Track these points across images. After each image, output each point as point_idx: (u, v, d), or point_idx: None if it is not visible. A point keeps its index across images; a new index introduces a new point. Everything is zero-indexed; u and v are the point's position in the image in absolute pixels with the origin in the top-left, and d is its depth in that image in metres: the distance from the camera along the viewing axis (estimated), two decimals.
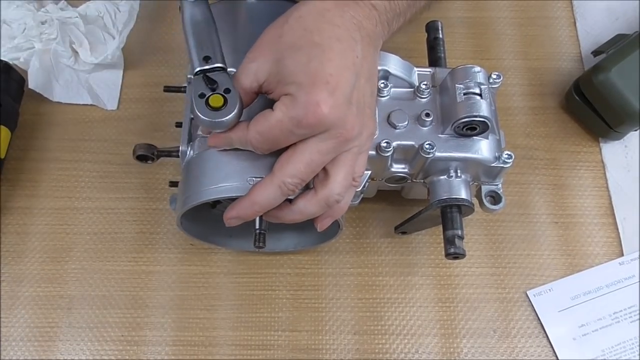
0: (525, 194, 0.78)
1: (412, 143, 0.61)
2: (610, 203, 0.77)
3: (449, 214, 0.62)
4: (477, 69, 0.61)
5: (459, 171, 0.62)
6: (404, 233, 0.73)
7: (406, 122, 0.61)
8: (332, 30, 0.51)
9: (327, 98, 0.48)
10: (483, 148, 0.61)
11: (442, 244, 0.62)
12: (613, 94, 0.73)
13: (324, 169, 0.53)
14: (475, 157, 0.61)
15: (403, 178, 0.65)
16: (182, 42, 0.55)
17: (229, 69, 0.54)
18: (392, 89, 0.63)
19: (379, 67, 0.61)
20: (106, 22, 0.79)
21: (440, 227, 0.63)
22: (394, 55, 0.63)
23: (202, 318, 0.70)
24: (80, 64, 0.79)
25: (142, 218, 0.74)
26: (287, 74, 0.50)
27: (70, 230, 0.74)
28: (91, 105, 0.79)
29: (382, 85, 0.62)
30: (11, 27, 0.78)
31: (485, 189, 0.65)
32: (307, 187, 0.55)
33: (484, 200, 0.65)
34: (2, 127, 0.71)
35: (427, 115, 0.61)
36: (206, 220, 0.67)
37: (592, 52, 0.82)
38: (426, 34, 0.73)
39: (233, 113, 0.51)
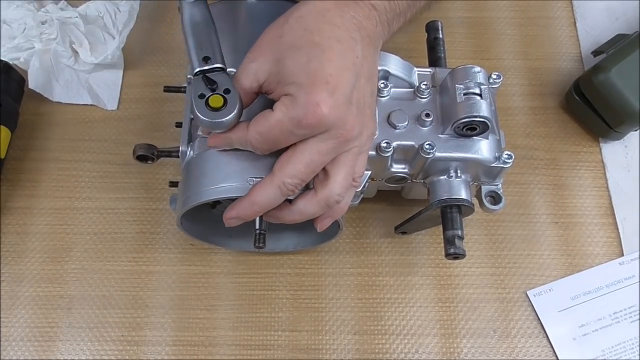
0: (525, 194, 0.78)
1: (412, 143, 0.61)
2: (610, 203, 0.77)
3: (449, 214, 0.62)
4: (477, 69, 0.61)
5: (459, 171, 0.62)
6: (404, 233, 0.73)
7: (406, 122, 0.61)
8: (332, 30, 0.51)
9: (327, 98, 0.48)
10: (483, 148, 0.61)
11: (442, 244, 0.62)
12: (613, 94, 0.73)
13: (324, 169, 0.53)
14: (475, 157, 0.61)
15: (403, 178, 0.65)
16: (182, 42, 0.55)
17: (229, 69, 0.54)
18: (392, 89, 0.63)
19: (379, 67, 0.61)
20: (106, 22, 0.79)
21: (440, 227, 0.63)
22: (394, 56, 0.63)
23: (202, 318, 0.70)
24: (80, 64, 0.79)
25: (142, 218, 0.74)
26: (287, 74, 0.50)
27: (70, 230, 0.74)
28: (91, 105, 0.79)
29: (382, 85, 0.62)
30: (11, 27, 0.78)
31: (485, 189, 0.65)
32: (307, 188, 0.55)
33: (484, 201, 0.65)
34: (2, 127, 0.71)
35: (427, 115, 0.61)
36: (206, 220, 0.67)
37: (592, 52, 0.82)
38: (426, 34, 0.73)
39: (233, 113, 0.51)
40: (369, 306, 0.72)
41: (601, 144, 0.80)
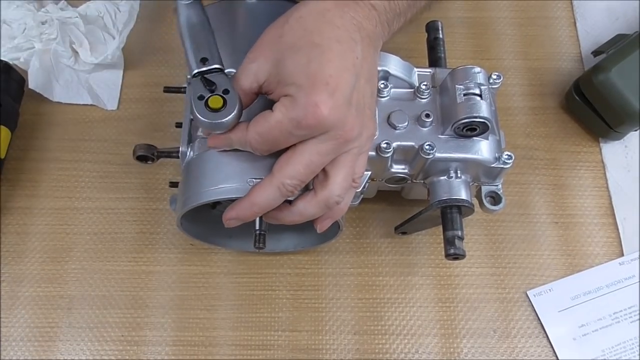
0: (525, 194, 0.78)
1: (412, 144, 0.61)
2: (611, 203, 0.77)
3: (449, 215, 0.62)
4: (477, 69, 0.61)
5: (459, 172, 0.62)
6: (404, 233, 0.73)
7: (406, 123, 0.61)
8: (331, 31, 0.51)
9: (326, 99, 0.48)
10: (483, 149, 0.61)
11: (442, 244, 0.62)
12: (613, 94, 0.73)
13: (324, 170, 0.53)
14: (475, 157, 0.61)
15: (403, 179, 0.65)
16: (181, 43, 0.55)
17: (228, 70, 0.54)
18: (392, 90, 0.63)
19: (379, 68, 0.61)
20: (106, 22, 0.79)
21: (440, 227, 0.63)
22: (394, 56, 0.63)
23: (202, 318, 0.70)
24: (80, 64, 0.79)
25: (142, 218, 0.74)
26: (287, 74, 0.50)
27: (70, 230, 0.74)
28: (91, 105, 0.79)
29: (382, 85, 0.62)
30: (11, 27, 0.78)
31: (485, 189, 0.65)
32: (307, 188, 0.55)
33: (484, 201, 0.65)
34: (2, 127, 0.71)
35: (427, 116, 0.61)
36: (206, 220, 0.67)
37: (592, 52, 0.82)
38: (426, 34, 0.73)
39: (233, 114, 0.51)
40: (369, 306, 0.72)
41: (601, 144, 0.80)
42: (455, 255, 0.61)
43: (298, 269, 0.73)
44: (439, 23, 0.72)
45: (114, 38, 0.79)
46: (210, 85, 0.52)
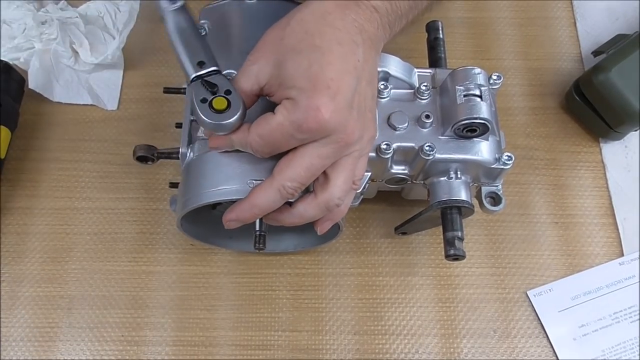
0: (525, 194, 0.78)
1: (412, 145, 0.61)
2: (611, 203, 0.77)
3: (449, 216, 0.62)
4: (477, 70, 0.61)
5: (459, 172, 0.62)
6: (404, 234, 0.73)
7: (406, 124, 0.61)
8: (333, 33, 0.50)
9: (328, 103, 0.48)
10: (483, 150, 0.61)
11: (442, 245, 0.62)
12: (613, 94, 0.73)
13: (324, 173, 0.53)
14: (475, 158, 0.61)
15: (403, 179, 0.65)
16: None
17: (229, 71, 0.54)
18: (392, 90, 0.63)
19: (379, 69, 0.61)
20: (106, 22, 0.79)
21: (441, 227, 0.63)
22: (394, 57, 0.63)
23: (202, 318, 0.71)
24: (80, 64, 0.79)
25: (142, 218, 0.74)
26: (288, 77, 0.50)
27: (70, 230, 0.74)
28: (91, 105, 0.79)
29: (382, 86, 0.62)
30: (11, 27, 0.78)
31: (485, 190, 0.65)
32: (307, 190, 0.55)
33: (484, 202, 0.65)
34: (2, 127, 0.71)
35: (427, 116, 0.61)
36: (206, 221, 0.67)
37: (592, 52, 0.82)
38: (426, 34, 0.73)
39: (237, 115, 0.51)
40: (369, 306, 0.72)
41: (601, 144, 0.80)
42: (455, 256, 0.61)
43: (298, 269, 0.73)
44: (439, 23, 0.73)
45: (114, 38, 0.79)
46: (212, 87, 0.52)
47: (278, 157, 0.53)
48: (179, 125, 0.64)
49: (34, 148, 0.77)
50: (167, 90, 0.68)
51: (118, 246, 0.73)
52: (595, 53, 0.81)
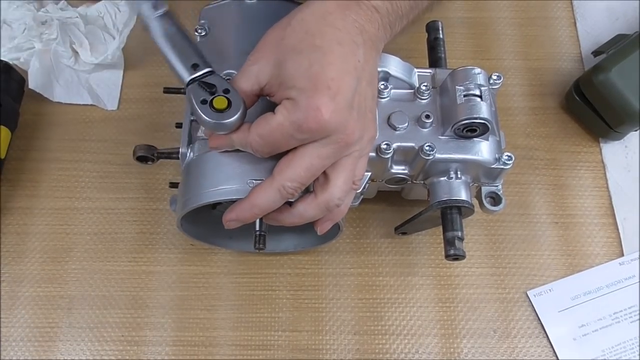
0: (525, 194, 0.78)
1: (412, 145, 0.61)
2: (611, 203, 0.77)
3: (449, 216, 0.62)
4: (478, 70, 0.61)
5: (459, 172, 0.62)
6: (404, 234, 0.73)
7: (406, 124, 0.61)
8: (333, 33, 0.50)
9: (328, 103, 0.48)
10: (483, 150, 0.61)
11: (442, 245, 0.62)
12: (613, 94, 0.73)
13: (324, 173, 0.53)
14: (476, 158, 0.61)
15: (403, 179, 0.65)
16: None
17: (230, 71, 0.54)
18: (392, 90, 0.63)
19: (379, 69, 0.61)
20: (106, 22, 0.80)
21: (441, 227, 0.63)
22: (394, 57, 0.63)
23: (202, 318, 0.71)
24: (80, 64, 0.79)
25: (142, 218, 0.74)
26: (289, 77, 0.50)
27: (70, 230, 0.74)
28: (91, 105, 0.79)
29: (382, 86, 0.62)
30: (11, 27, 0.78)
31: (485, 190, 0.65)
32: (307, 190, 0.55)
33: (484, 202, 0.65)
34: (2, 127, 0.71)
35: (427, 116, 0.61)
36: (206, 221, 0.67)
37: (592, 52, 0.82)
38: (426, 34, 0.73)
39: (238, 114, 0.51)
40: (369, 306, 0.72)
41: (601, 144, 0.80)
42: (455, 256, 0.61)
43: (298, 269, 0.73)
44: (439, 23, 0.73)
45: (114, 38, 0.79)
46: (210, 88, 0.52)
47: (278, 157, 0.53)
48: (179, 125, 0.65)
49: (34, 148, 0.77)
50: (167, 90, 0.68)
51: (118, 246, 0.73)
52: (595, 53, 0.81)
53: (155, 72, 0.82)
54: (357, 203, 0.66)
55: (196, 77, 0.52)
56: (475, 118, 0.58)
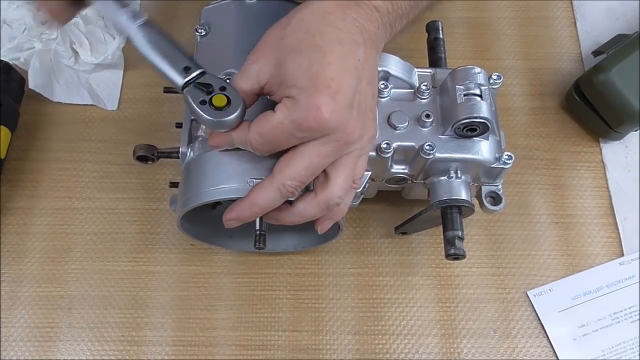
0: (525, 194, 0.78)
1: (413, 144, 0.61)
2: (611, 203, 0.77)
3: (449, 215, 0.62)
4: (478, 70, 0.61)
5: (459, 172, 0.62)
6: (404, 233, 0.73)
7: (406, 123, 0.61)
8: (333, 33, 0.50)
9: (328, 102, 0.48)
10: (483, 149, 0.61)
11: (443, 244, 0.62)
12: (613, 94, 0.73)
13: (324, 172, 0.53)
14: (476, 158, 0.61)
15: (403, 179, 0.65)
16: (183, 43, 0.55)
17: (230, 70, 0.54)
18: (393, 90, 0.63)
19: (380, 68, 0.61)
20: (106, 22, 0.79)
21: (441, 227, 0.63)
22: (394, 56, 0.63)
23: (202, 318, 0.70)
24: (80, 64, 0.79)
25: (142, 218, 0.74)
26: (289, 76, 0.50)
27: (70, 230, 0.74)
28: (91, 105, 0.79)
29: (382, 86, 0.62)
30: (11, 27, 0.78)
31: (485, 189, 0.65)
32: (307, 189, 0.55)
33: (484, 201, 0.65)
34: (2, 127, 0.71)
35: (427, 116, 0.61)
36: (206, 221, 0.67)
37: (592, 53, 0.82)
38: (426, 34, 0.73)
39: (238, 111, 0.51)
40: (369, 306, 0.72)
41: (601, 144, 0.80)
42: (456, 256, 0.61)
43: (298, 269, 0.73)
44: (439, 23, 0.73)
45: (114, 38, 0.79)
46: (207, 88, 0.51)
47: (278, 155, 0.53)
48: (179, 125, 0.65)
49: (34, 148, 0.77)
50: (167, 90, 0.68)
51: (118, 246, 0.73)
52: (595, 53, 0.81)
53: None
54: (357, 203, 0.66)
55: (190, 79, 0.52)
56: (476, 117, 0.58)
